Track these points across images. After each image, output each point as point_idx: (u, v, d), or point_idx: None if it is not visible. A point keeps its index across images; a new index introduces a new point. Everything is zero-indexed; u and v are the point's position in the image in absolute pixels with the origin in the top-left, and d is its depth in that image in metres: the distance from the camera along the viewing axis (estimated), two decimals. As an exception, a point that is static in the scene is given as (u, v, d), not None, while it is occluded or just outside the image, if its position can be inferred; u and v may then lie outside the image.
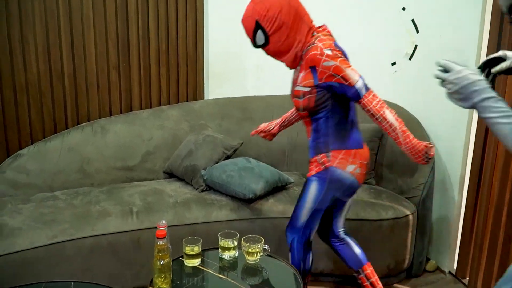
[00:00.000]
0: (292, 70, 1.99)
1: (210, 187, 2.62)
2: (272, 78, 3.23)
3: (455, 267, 2.68)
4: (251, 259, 1.88)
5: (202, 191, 2.60)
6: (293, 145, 3.04)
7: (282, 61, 1.92)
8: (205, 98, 3.21)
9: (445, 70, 1.20)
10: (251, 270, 1.85)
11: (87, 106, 2.94)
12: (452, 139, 2.68)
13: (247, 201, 2.46)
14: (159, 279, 1.65)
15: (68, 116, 2.91)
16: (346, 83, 1.78)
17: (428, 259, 2.80)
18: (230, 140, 2.76)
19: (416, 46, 2.82)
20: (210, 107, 3.08)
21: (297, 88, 1.88)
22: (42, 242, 2.10)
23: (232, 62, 3.23)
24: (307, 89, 1.83)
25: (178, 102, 3.16)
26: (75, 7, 2.78)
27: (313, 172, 1.96)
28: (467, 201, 2.56)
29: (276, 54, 1.90)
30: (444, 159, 2.75)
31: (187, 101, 3.18)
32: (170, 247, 1.66)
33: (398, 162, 2.74)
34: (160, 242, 1.59)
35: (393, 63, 2.96)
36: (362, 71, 3.02)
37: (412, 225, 2.52)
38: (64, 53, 2.83)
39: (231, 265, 1.87)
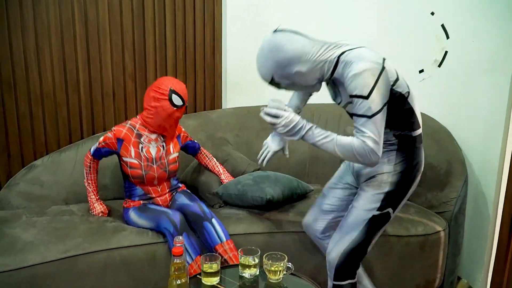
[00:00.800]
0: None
1: (226, 203, 2.59)
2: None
3: (488, 287, 2.57)
4: (273, 278, 1.82)
5: (220, 207, 2.58)
6: (314, 157, 2.98)
7: None
8: (222, 108, 3.19)
9: (275, 116, 1.64)
10: (273, 290, 1.79)
11: (103, 117, 2.95)
12: (486, 150, 2.58)
13: (265, 208, 2.42)
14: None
15: (84, 127, 2.92)
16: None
17: (459, 278, 2.69)
18: (247, 165, 2.75)
19: (446, 52, 2.75)
20: (228, 117, 3.06)
21: None
22: (54, 257, 2.08)
23: (251, 71, 3.18)
24: None
25: (195, 112, 3.14)
26: (91, 18, 2.80)
27: None
28: (503, 216, 2.45)
29: None
30: (477, 172, 2.65)
31: (205, 110, 3.16)
32: (187, 265, 1.62)
33: (427, 175, 2.65)
34: (177, 260, 1.55)
35: (421, 71, 2.89)
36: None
37: (444, 242, 2.43)
38: (80, 64, 2.85)
39: (252, 284, 1.82)
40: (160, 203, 2.42)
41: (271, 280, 1.83)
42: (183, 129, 2.58)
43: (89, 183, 2.46)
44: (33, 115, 2.80)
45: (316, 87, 1.76)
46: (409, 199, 2.71)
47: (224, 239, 2.19)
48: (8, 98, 2.70)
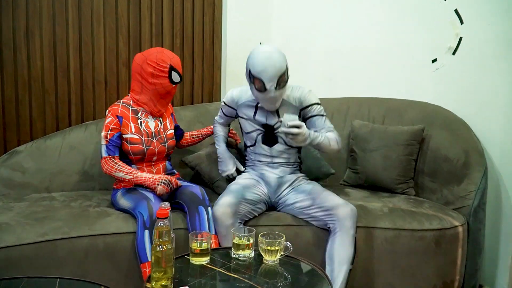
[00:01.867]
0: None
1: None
2: (292, 79, 3.10)
3: (514, 294, 2.40)
4: (269, 259, 1.68)
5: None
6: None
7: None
8: (221, 100, 3.11)
9: (296, 126, 2.00)
10: (270, 273, 1.65)
11: (93, 105, 2.87)
12: (506, 141, 2.46)
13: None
14: (157, 273, 1.46)
15: (72, 115, 2.84)
16: None
17: (481, 286, 2.52)
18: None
19: (460, 38, 2.67)
20: (227, 109, 2.96)
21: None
22: (31, 239, 1.96)
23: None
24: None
25: (192, 103, 3.06)
26: (85, 1, 2.76)
27: None
28: (527, 212, 2.31)
29: None
30: (497, 165, 2.52)
31: (202, 102, 3.08)
32: (173, 235, 1.49)
33: (442, 168, 2.52)
34: (161, 224, 1.42)
35: (434, 60, 2.80)
36: (398, 71, 2.91)
37: (463, 238, 2.27)
38: (71, 48, 2.79)
39: (246, 266, 1.68)
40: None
41: (267, 262, 1.69)
42: (172, 109, 2.56)
43: (130, 173, 2.21)
44: (19, 100, 2.73)
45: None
46: (421, 196, 2.57)
47: (212, 231, 2.08)
48: (-7, 80, 2.65)
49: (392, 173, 2.57)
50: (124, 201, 2.21)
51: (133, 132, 2.26)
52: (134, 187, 2.28)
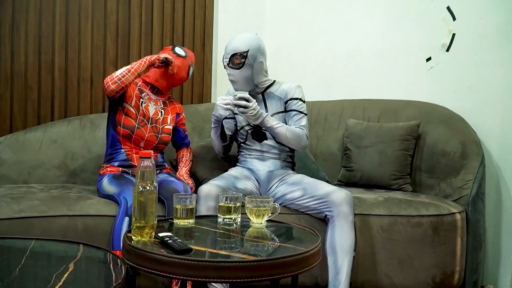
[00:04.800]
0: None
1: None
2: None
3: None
4: (257, 221, 1.76)
5: None
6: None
7: None
8: (212, 102, 3.25)
9: (246, 100, 2.22)
10: (257, 235, 1.72)
11: (78, 103, 3.01)
12: (504, 133, 2.61)
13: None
14: (141, 220, 1.53)
15: (55, 113, 2.97)
16: None
17: (482, 287, 2.57)
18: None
19: (454, 34, 2.87)
20: (217, 110, 3.10)
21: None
22: (6, 215, 2.03)
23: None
24: None
25: (182, 104, 3.20)
26: (74, -4, 2.98)
27: None
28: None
29: None
30: (496, 159, 2.65)
31: (191, 103, 3.22)
32: (156, 184, 1.58)
33: (440, 163, 2.64)
34: (144, 164, 1.52)
35: (428, 59, 2.99)
36: (392, 72, 3.09)
37: (461, 227, 2.35)
38: (57, 44, 2.97)
39: (232, 229, 1.75)
40: None
41: (254, 225, 1.77)
42: (183, 115, 2.67)
43: (129, 66, 2.34)
44: (0, 95, 2.86)
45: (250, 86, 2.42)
46: (418, 191, 2.67)
47: None
48: (-25, 73, 2.80)
49: (387, 169, 2.68)
50: (109, 187, 2.30)
51: (132, 105, 2.42)
52: (121, 173, 2.37)
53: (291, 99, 2.43)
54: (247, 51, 2.34)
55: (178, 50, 2.53)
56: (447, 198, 2.53)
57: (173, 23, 3.20)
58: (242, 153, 2.53)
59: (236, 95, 2.24)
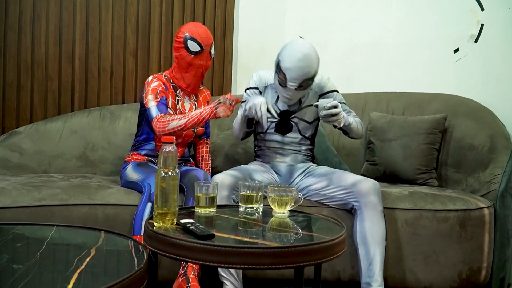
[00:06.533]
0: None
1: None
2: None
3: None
4: (279, 211, 1.76)
5: None
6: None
7: None
8: (232, 93, 3.26)
9: (334, 106, 2.17)
10: (280, 224, 1.72)
11: (98, 94, 3.04)
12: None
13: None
14: (163, 207, 1.54)
15: (75, 103, 3.01)
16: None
17: (509, 285, 2.53)
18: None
19: (482, 25, 2.83)
20: (237, 102, 3.11)
21: None
22: (27, 203, 2.07)
23: (264, 55, 3.30)
24: None
25: (201, 96, 3.21)
26: (94, -14, 3.01)
27: None
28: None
29: None
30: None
31: (212, 95, 3.23)
32: (178, 171, 1.59)
33: (467, 158, 2.61)
34: (166, 149, 1.52)
35: (456, 50, 2.95)
36: (416, 64, 3.06)
37: (489, 222, 2.32)
38: (78, 34, 3.00)
39: (254, 219, 1.75)
40: None
41: (276, 214, 1.76)
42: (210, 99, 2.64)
43: (183, 116, 2.24)
44: (20, 85, 2.91)
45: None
46: (444, 186, 2.64)
47: None
48: (-4, 63, 2.85)
49: (412, 163, 2.65)
50: (133, 173, 2.32)
51: (169, 107, 2.39)
52: (146, 162, 2.38)
53: (328, 92, 2.44)
54: (316, 72, 2.29)
55: (191, 45, 2.35)
56: (474, 193, 2.50)
57: (194, 14, 3.21)
58: (260, 146, 2.51)
59: (326, 105, 2.15)
